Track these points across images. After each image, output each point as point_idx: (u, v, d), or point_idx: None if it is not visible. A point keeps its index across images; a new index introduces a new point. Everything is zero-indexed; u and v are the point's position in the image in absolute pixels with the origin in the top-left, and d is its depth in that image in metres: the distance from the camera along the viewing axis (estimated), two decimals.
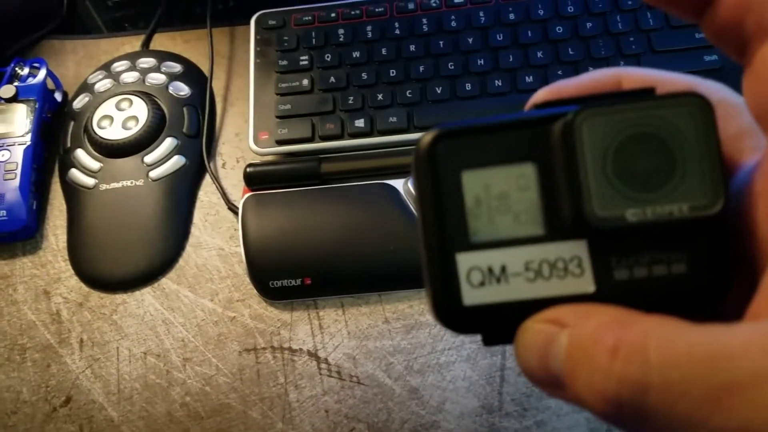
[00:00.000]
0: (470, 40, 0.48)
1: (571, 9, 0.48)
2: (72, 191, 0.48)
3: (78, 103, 0.51)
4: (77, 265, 0.46)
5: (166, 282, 0.46)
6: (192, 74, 0.52)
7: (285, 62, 0.49)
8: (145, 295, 0.46)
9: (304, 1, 0.52)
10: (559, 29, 0.48)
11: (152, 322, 0.45)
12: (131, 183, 0.48)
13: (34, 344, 0.45)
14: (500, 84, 0.47)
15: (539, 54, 0.47)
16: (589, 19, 0.48)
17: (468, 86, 0.47)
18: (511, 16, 0.49)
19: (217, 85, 0.53)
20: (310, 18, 0.50)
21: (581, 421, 0.39)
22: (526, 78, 0.47)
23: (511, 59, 0.47)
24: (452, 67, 0.48)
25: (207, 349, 0.44)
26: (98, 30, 0.61)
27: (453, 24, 0.49)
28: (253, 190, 0.46)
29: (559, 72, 0.47)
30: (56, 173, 0.51)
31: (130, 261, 0.46)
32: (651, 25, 0.47)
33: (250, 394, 0.42)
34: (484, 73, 0.47)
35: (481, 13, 0.49)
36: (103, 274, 0.46)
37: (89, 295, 0.46)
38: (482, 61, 0.48)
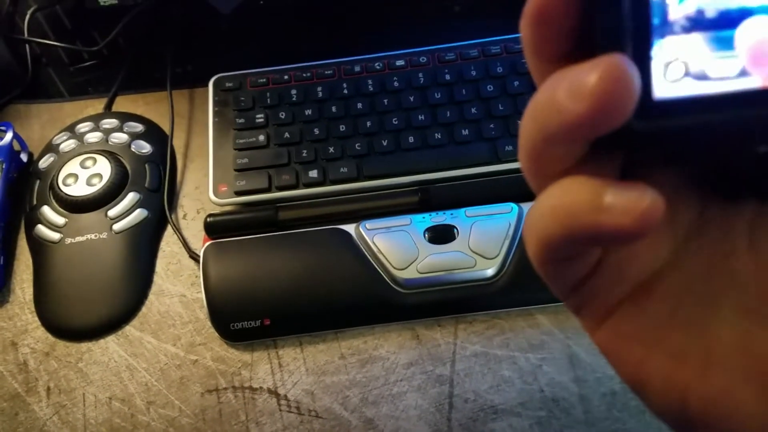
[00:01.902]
0: (411, 99, 0.53)
1: (499, 69, 0.54)
2: (38, 246, 0.50)
3: (43, 163, 0.54)
4: (43, 316, 0.48)
5: (130, 329, 0.48)
6: (153, 133, 0.56)
7: (242, 120, 0.53)
8: (110, 342, 0.48)
9: (258, 64, 0.56)
10: (489, 88, 0.53)
11: (116, 368, 0.47)
12: (95, 236, 0.50)
13: (2, 393, 0.46)
14: (439, 137, 0.52)
15: (473, 110, 0.53)
16: (516, 78, 0.54)
17: (411, 139, 0.52)
18: (447, 77, 0.54)
19: (178, 143, 0.56)
20: (264, 80, 0.55)
21: None
22: (463, 131, 0.52)
23: (448, 115, 0.52)
24: (396, 122, 0.52)
25: (170, 391, 0.45)
26: (62, 95, 0.64)
27: (395, 84, 0.54)
28: (213, 239, 0.49)
29: (491, 125, 0.52)
30: (22, 230, 0.53)
31: (94, 310, 0.48)
32: None
33: None
34: (425, 128, 0.52)
35: (420, 75, 0.54)
36: (69, 323, 0.48)
37: (55, 345, 0.47)
38: (422, 117, 0.53)
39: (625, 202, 0.14)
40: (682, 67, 0.15)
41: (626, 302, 0.18)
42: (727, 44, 0.15)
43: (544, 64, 0.16)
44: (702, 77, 0.15)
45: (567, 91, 0.14)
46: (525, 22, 0.16)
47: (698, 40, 0.15)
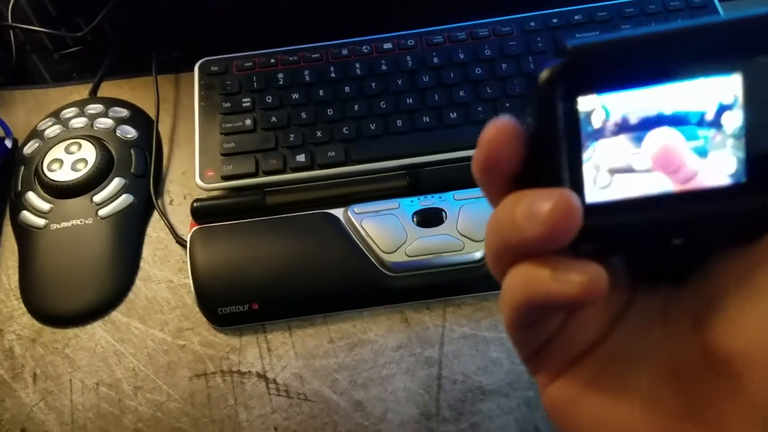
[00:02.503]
0: (399, 82, 0.53)
1: (488, 52, 0.54)
2: (23, 232, 0.50)
3: (28, 149, 0.53)
4: (29, 303, 0.48)
5: (117, 315, 0.48)
6: (139, 118, 0.55)
7: (228, 104, 0.53)
8: (96, 328, 0.47)
9: (245, 49, 0.56)
10: (478, 71, 0.53)
11: (103, 354, 0.46)
12: (81, 222, 0.50)
13: None
14: (428, 120, 0.51)
15: (461, 93, 0.52)
16: (504, 60, 0.53)
17: (399, 123, 0.51)
18: (435, 60, 0.54)
19: (164, 129, 0.56)
20: (251, 64, 0.54)
21: (511, 422, 0.42)
22: (451, 114, 0.52)
23: (436, 98, 0.52)
24: (384, 106, 0.52)
25: (158, 376, 0.45)
26: (47, 82, 0.63)
27: (383, 68, 0.54)
28: (200, 224, 0.49)
29: (480, 108, 0.51)
30: (7, 217, 0.52)
31: (80, 296, 0.48)
32: None
33: (201, 417, 0.44)
34: (413, 111, 0.52)
35: (408, 58, 0.54)
36: (55, 310, 0.47)
37: (42, 331, 0.47)
38: (411, 100, 0.52)
39: (573, 275, 0.17)
40: (608, 176, 0.18)
41: (571, 367, 0.22)
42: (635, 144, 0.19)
43: (495, 188, 0.20)
44: (625, 180, 0.19)
45: (524, 215, 0.17)
46: (475, 168, 0.19)
47: (624, 149, 0.18)
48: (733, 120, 0.18)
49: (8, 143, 0.55)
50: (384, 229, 0.47)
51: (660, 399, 0.20)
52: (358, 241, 0.47)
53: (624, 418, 0.20)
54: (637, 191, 0.19)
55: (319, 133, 0.51)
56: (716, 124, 0.18)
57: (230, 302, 0.46)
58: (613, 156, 0.18)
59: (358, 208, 0.48)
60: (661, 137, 0.18)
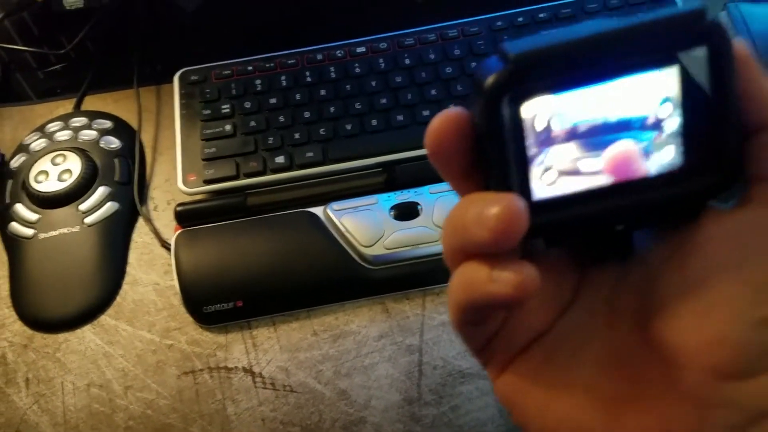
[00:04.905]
0: (373, 83, 0.55)
1: (457, 52, 0.56)
2: (12, 242, 0.51)
3: (15, 163, 0.55)
4: (20, 310, 0.49)
5: (105, 319, 0.49)
6: (122, 129, 0.57)
7: (208, 111, 0.54)
8: (86, 332, 0.48)
9: (223, 58, 0.57)
10: (448, 69, 0.55)
11: (94, 356, 0.47)
12: (68, 230, 0.51)
13: None
14: (402, 118, 0.53)
15: (433, 91, 0.54)
16: (473, 59, 0.55)
17: (374, 122, 0.53)
18: (407, 61, 0.56)
19: (146, 138, 0.57)
20: (229, 72, 0.56)
21: (490, 403, 0.43)
22: (424, 112, 0.53)
23: (409, 97, 0.54)
24: (359, 107, 0.54)
25: (147, 375, 0.46)
26: (31, 99, 0.64)
27: (357, 70, 0.56)
28: (184, 227, 0.50)
29: (451, 105, 0.53)
30: None
31: (70, 302, 0.49)
32: None
33: (190, 412, 0.45)
34: (387, 110, 0.54)
35: (381, 60, 0.56)
36: (46, 316, 0.49)
37: (33, 337, 0.48)
38: (385, 100, 0.54)
39: (507, 276, 0.18)
40: (555, 174, 0.19)
41: (517, 358, 0.23)
42: (591, 150, 0.19)
43: (451, 174, 0.21)
44: (570, 177, 0.20)
45: (474, 220, 0.18)
46: (428, 156, 0.21)
47: (569, 150, 0.19)
48: (672, 114, 0.19)
49: None
50: (362, 224, 0.48)
51: (600, 384, 0.21)
52: (338, 237, 0.48)
53: (565, 404, 0.21)
54: (581, 186, 0.20)
55: (297, 135, 0.53)
56: (657, 125, 0.19)
57: (215, 301, 0.47)
58: (561, 160, 0.19)
59: (337, 205, 0.49)
60: (619, 149, 0.19)
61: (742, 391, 0.18)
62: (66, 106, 0.60)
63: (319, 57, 0.57)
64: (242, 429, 0.44)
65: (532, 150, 0.19)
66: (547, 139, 0.19)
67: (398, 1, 0.65)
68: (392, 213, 0.49)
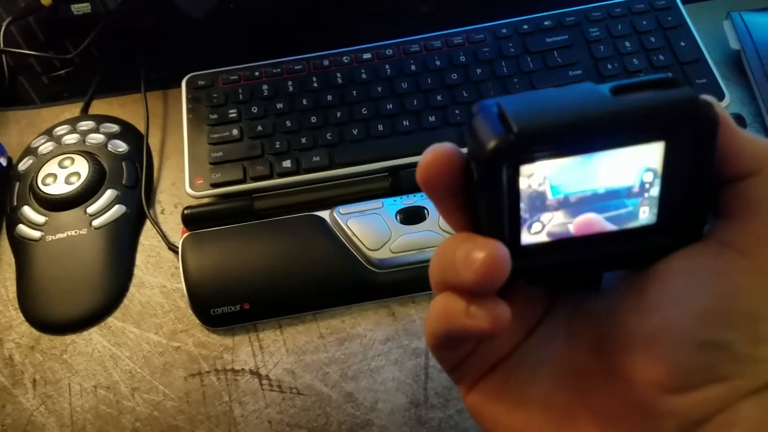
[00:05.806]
0: (379, 89, 0.55)
1: (462, 59, 0.56)
2: (20, 245, 0.51)
3: (22, 166, 0.55)
4: (27, 312, 0.49)
5: (112, 321, 0.49)
6: (129, 133, 0.57)
7: (215, 116, 0.55)
8: (93, 334, 0.49)
9: (229, 64, 0.58)
10: (453, 76, 0.56)
11: (100, 358, 0.48)
12: (75, 233, 0.51)
13: None
14: (407, 124, 0.54)
15: (438, 97, 0.55)
16: (478, 66, 0.56)
17: (380, 127, 0.54)
18: (413, 67, 0.56)
19: (154, 142, 0.58)
20: (236, 77, 0.57)
21: None
22: (429, 118, 0.54)
23: (414, 103, 0.55)
24: (365, 112, 0.54)
25: (154, 377, 0.47)
26: (36, 104, 0.65)
27: (363, 76, 0.56)
28: (191, 230, 0.50)
29: (456, 111, 0.54)
30: (4, 231, 0.54)
31: (77, 304, 0.49)
32: (531, 67, 0.56)
33: (196, 414, 0.45)
34: (393, 116, 0.54)
35: (387, 66, 0.57)
36: (53, 318, 0.49)
37: (40, 339, 0.48)
38: (390, 106, 0.55)
39: (483, 313, 0.20)
40: (540, 226, 0.21)
41: (484, 377, 0.25)
42: (578, 215, 0.22)
43: (438, 202, 0.23)
44: (555, 229, 0.22)
45: (462, 260, 0.20)
46: (420, 185, 0.22)
47: (558, 215, 0.21)
48: (652, 183, 0.21)
49: (2, 161, 0.57)
50: (369, 227, 0.49)
51: (556, 399, 0.23)
52: (344, 241, 0.49)
53: (523, 418, 0.24)
54: (563, 235, 0.22)
55: (303, 140, 0.53)
56: (641, 193, 0.21)
57: (222, 303, 0.47)
58: (551, 221, 0.22)
59: (343, 209, 0.50)
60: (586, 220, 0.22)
61: (683, 403, 0.20)
62: (72, 110, 0.61)
63: (326, 63, 0.57)
64: (249, 431, 0.44)
65: (524, 213, 0.21)
66: (541, 205, 0.21)
67: (404, 8, 0.66)
68: (398, 217, 0.49)
